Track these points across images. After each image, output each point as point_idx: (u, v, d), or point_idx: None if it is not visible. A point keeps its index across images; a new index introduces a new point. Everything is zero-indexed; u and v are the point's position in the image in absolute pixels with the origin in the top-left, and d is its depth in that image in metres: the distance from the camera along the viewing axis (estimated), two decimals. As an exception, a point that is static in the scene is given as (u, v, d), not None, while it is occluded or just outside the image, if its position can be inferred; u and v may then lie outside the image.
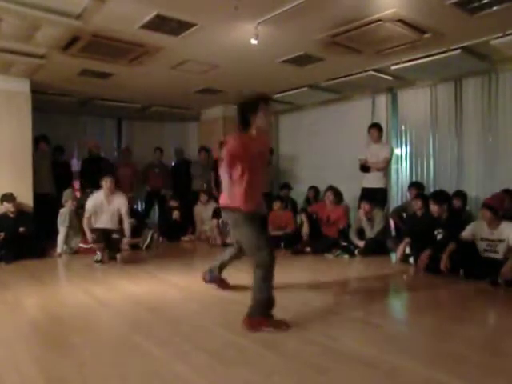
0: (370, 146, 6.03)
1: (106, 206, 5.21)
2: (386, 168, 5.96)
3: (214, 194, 7.26)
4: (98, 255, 5.11)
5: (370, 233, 5.64)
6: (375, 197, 5.75)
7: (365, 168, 5.91)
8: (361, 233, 5.71)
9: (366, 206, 5.65)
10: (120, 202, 5.23)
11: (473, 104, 5.85)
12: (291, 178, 8.19)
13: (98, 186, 5.32)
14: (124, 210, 5.21)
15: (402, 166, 6.67)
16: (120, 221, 5.25)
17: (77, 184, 7.27)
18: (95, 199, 5.21)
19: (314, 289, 3.88)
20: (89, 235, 5.18)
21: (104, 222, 5.19)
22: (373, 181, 5.86)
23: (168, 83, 6.39)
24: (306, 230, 5.93)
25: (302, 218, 6.08)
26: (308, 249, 5.75)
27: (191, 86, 6.63)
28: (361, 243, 5.54)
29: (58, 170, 6.87)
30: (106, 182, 5.18)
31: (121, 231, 5.20)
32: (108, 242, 5.10)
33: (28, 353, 2.37)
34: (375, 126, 6.03)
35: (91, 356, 2.29)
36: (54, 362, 2.21)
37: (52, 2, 3.70)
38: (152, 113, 8.18)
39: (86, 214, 5.18)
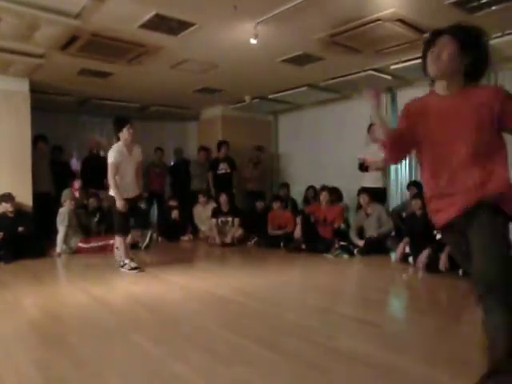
0: (369, 145, 6.02)
1: (127, 157, 4.61)
2: (385, 168, 5.96)
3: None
4: (130, 262, 4.52)
5: (370, 231, 5.64)
6: (374, 196, 5.75)
7: (364, 167, 5.91)
8: (360, 232, 5.72)
9: (364, 197, 5.67)
10: (138, 153, 4.73)
11: (472, 103, 5.85)
12: (290, 177, 8.19)
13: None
14: (140, 159, 4.75)
15: (401, 165, 6.66)
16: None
17: (76, 183, 7.26)
18: (118, 150, 4.54)
19: (313, 288, 3.88)
20: (119, 201, 4.44)
21: (128, 178, 4.63)
22: (372, 180, 5.86)
23: (167, 83, 6.38)
24: (297, 231, 5.93)
25: (297, 220, 6.08)
26: (303, 246, 5.78)
27: (190, 85, 6.62)
28: (360, 243, 5.55)
29: (57, 170, 6.86)
30: (130, 130, 4.56)
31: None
32: (137, 217, 4.72)
33: (27, 352, 2.36)
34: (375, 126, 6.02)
35: (90, 356, 2.28)
36: (53, 361, 2.20)
37: (51, 1, 3.69)
38: (151, 112, 8.16)
39: (112, 170, 4.46)
